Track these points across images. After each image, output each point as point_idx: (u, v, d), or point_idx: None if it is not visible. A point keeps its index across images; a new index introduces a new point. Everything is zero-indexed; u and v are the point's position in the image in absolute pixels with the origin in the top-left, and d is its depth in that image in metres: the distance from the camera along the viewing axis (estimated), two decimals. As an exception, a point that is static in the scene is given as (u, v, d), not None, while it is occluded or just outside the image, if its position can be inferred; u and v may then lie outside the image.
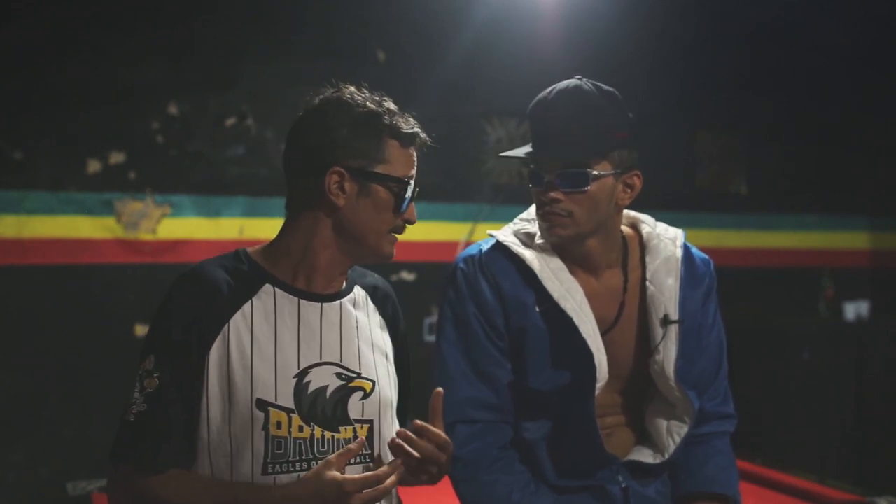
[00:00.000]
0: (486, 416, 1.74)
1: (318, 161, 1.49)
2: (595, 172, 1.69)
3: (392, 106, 1.55)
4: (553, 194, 1.69)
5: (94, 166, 3.53)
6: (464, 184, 4.16)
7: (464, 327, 1.77)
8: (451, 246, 4.04)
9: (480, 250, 1.82)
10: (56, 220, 3.47)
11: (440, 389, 1.53)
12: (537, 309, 1.75)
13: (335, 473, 1.39)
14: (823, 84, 4.89)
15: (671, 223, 1.91)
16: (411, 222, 1.58)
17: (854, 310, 4.75)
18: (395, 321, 1.69)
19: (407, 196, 1.54)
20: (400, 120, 1.53)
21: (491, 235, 1.84)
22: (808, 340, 4.40)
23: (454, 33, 4.03)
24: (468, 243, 3.96)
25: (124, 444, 1.45)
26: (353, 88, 1.55)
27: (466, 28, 4.03)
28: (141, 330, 3.56)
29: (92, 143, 3.52)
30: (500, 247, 1.81)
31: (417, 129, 1.55)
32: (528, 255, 1.76)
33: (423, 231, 4.05)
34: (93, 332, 3.50)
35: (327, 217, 1.51)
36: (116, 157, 3.56)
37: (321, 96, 1.55)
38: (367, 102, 1.52)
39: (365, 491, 1.38)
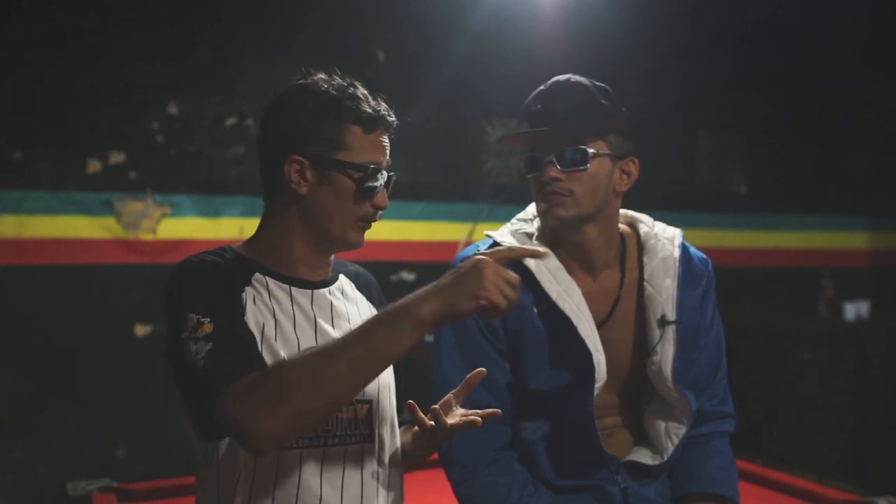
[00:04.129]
0: None
1: (279, 150, 1.49)
2: (593, 151, 1.71)
3: (359, 91, 1.51)
4: (553, 173, 1.70)
5: (94, 166, 3.53)
6: (464, 184, 4.16)
7: (461, 329, 1.77)
8: (451, 246, 4.04)
9: (477, 251, 1.82)
10: (56, 220, 3.47)
11: (483, 370, 1.51)
12: (535, 309, 1.74)
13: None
14: (823, 83, 4.89)
15: (671, 223, 1.91)
16: (381, 209, 1.54)
17: (854, 310, 4.75)
18: (381, 306, 1.69)
19: (372, 184, 1.50)
20: (363, 105, 1.49)
21: (488, 236, 1.84)
22: (808, 340, 4.40)
23: (454, 33, 4.03)
24: (468, 243, 3.96)
25: (215, 378, 1.32)
26: (322, 75, 1.53)
27: (466, 28, 4.03)
28: (141, 330, 3.56)
29: (92, 143, 3.52)
30: (497, 247, 1.81)
31: (383, 114, 1.52)
32: None
33: (423, 231, 4.06)
34: (93, 332, 3.50)
35: (294, 206, 1.51)
36: (116, 157, 3.56)
37: (286, 85, 1.53)
38: (331, 89, 1.50)
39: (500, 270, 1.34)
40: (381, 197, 1.53)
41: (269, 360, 1.42)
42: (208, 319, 1.37)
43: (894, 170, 4.97)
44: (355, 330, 1.33)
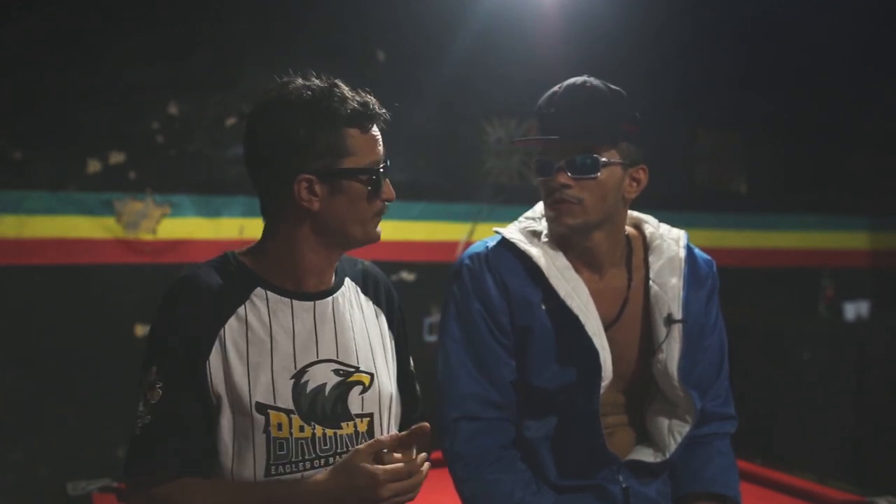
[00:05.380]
0: (489, 413, 1.75)
1: (283, 171, 1.45)
2: (604, 159, 1.71)
3: (344, 90, 1.49)
4: (563, 180, 1.70)
5: (94, 166, 3.53)
6: (464, 184, 4.15)
7: (468, 324, 1.77)
8: (451, 246, 4.04)
9: (487, 247, 1.82)
10: (56, 220, 3.47)
11: (426, 425, 1.48)
12: (543, 307, 1.75)
13: (366, 464, 1.38)
14: (823, 83, 4.89)
15: (671, 222, 1.92)
16: (391, 200, 1.54)
17: (854, 310, 4.75)
18: (389, 306, 1.68)
19: (380, 181, 1.50)
20: (355, 104, 1.47)
21: (497, 232, 1.84)
22: (808, 340, 4.40)
23: (454, 33, 4.03)
24: (468, 243, 3.96)
25: (135, 458, 1.44)
26: (299, 81, 1.50)
27: (466, 28, 4.02)
28: (141, 330, 3.56)
29: (92, 143, 3.52)
30: (506, 244, 1.80)
31: (375, 109, 1.50)
32: (534, 252, 1.76)
33: (423, 231, 4.05)
34: (93, 332, 3.50)
35: (306, 221, 1.49)
36: (116, 157, 3.56)
37: (266, 97, 1.50)
38: (317, 95, 1.46)
39: (397, 483, 1.38)
40: (389, 189, 1.53)
41: (256, 387, 1.44)
42: (160, 385, 1.42)
43: (894, 169, 4.97)
44: (256, 494, 1.40)
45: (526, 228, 1.84)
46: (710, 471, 1.82)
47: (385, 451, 1.42)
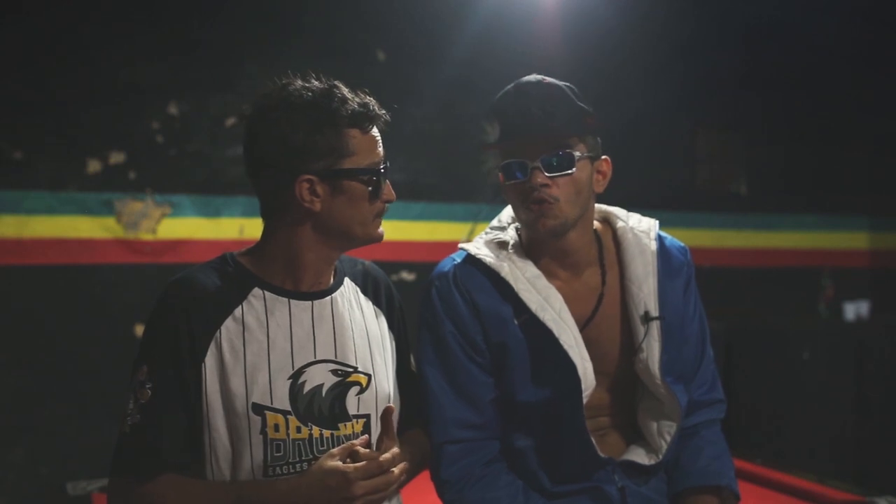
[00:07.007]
0: (470, 435, 1.72)
1: (284, 172, 1.46)
2: (577, 154, 1.67)
3: (344, 91, 1.49)
4: (541, 180, 1.65)
5: (94, 166, 3.52)
6: (464, 184, 4.15)
7: (442, 347, 1.73)
8: (451, 246, 4.02)
9: (454, 265, 1.78)
10: (56, 220, 3.47)
11: (391, 406, 1.51)
12: (516, 321, 1.71)
13: (337, 463, 1.38)
14: (823, 83, 4.89)
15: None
16: (391, 201, 1.55)
17: (854, 310, 4.75)
18: (390, 307, 1.67)
19: (381, 182, 1.50)
20: (355, 105, 1.47)
21: (462, 248, 1.80)
22: (808, 340, 4.40)
23: (454, 33, 4.03)
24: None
25: (121, 456, 1.46)
26: (299, 83, 1.50)
27: (466, 28, 4.03)
28: (141, 330, 3.55)
29: (92, 143, 3.52)
30: (472, 260, 1.76)
31: (375, 110, 1.50)
32: (500, 266, 1.73)
33: (423, 231, 4.05)
34: (93, 332, 3.50)
35: (306, 221, 1.49)
36: (116, 157, 3.56)
37: (266, 99, 1.50)
38: (317, 97, 1.47)
39: (369, 481, 1.38)
40: (389, 190, 1.54)
41: (253, 388, 1.43)
42: (150, 386, 1.43)
43: (894, 170, 4.97)
44: (228, 495, 1.40)
45: (493, 240, 1.79)
46: (701, 463, 1.79)
47: (358, 453, 1.42)
